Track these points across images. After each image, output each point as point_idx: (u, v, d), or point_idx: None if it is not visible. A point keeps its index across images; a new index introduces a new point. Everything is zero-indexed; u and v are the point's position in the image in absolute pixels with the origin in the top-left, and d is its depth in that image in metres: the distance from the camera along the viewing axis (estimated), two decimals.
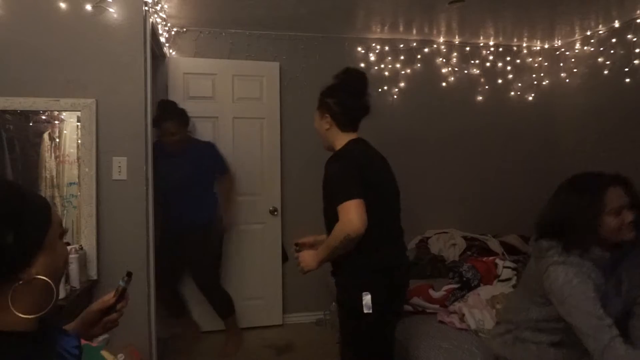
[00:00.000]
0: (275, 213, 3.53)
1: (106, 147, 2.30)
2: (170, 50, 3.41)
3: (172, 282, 3.21)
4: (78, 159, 2.29)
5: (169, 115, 3.02)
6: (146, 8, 2.36)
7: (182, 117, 3.09)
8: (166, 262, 2.95)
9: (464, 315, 2.28)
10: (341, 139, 1.88)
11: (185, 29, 3.47)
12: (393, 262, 1.81)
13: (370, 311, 1.67)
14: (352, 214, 1.61)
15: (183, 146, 3.10)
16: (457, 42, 3.92)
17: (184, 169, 3.06)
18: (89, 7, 2.24)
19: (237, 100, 3.48)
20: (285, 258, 3.65)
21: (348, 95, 1.87)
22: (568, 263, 1.45)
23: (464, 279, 2.56)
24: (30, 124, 2.32)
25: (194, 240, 3.10)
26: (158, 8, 2.74)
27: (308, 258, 1.86)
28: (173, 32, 3.42)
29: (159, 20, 2.82)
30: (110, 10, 2.27)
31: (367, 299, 1.67)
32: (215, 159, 3.23)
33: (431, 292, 2.54)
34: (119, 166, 2.31)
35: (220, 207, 3.25)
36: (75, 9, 2.24)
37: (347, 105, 1.87)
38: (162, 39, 3.07)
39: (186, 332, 3.33)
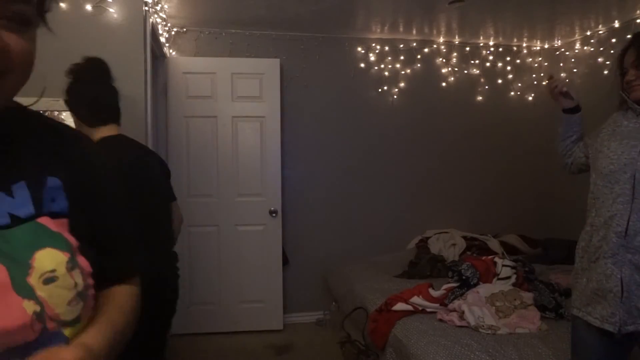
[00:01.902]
0: (275, 215, 3.52)
1: None
2: (171, 51, 3.41)
3: None
4: None
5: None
6: (146, 8, 2.36)
7: None
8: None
9: (463, 312, 2.29)
10: (93, 137, 1.58)
11: (185, 29, 3.47)
12: (158, 273, 1.62)
13: None
14: None
15: None
16: (457, 42, 3.92)
17: None
18: (89, 7, 2.25)
19: (236, 99, 3.48)
20: (285, 260, 3.67)
21: (84, 83, 1.62)
22: None
23: (463, 277, 2.56)
24: None
25: None
26: (158, 8, 2.74)
27: None
28: (173, 32, 3.43)
29: (159, 20, 2.82)
30: (110, 10, 2.27)
31: None
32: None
33: (431, 291, 2.54)
34: None
35: None
36: (75, 9, 2.24)
37: (83, 95, 1.62)
38: (162, 39, 3.07)
39: None
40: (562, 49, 4.00)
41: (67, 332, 0.54)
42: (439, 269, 3.23)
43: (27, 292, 0.50)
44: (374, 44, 3.78)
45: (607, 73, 3.52)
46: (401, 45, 3.84)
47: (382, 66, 3.83)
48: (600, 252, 1.43)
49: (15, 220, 0.54)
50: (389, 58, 3.83)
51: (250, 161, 3.52)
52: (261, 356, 3.16)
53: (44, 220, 0.56)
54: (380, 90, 3.84)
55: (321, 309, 3.73)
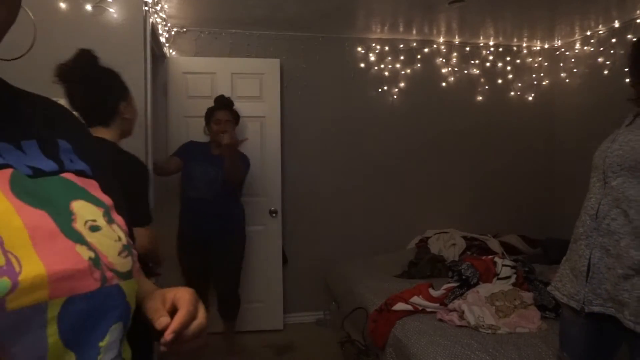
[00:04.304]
0: (275, 215, 3.52)
1: None
2: (171, 50, 3.41)
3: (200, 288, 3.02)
4: None
5: (223, 104, 2.98)
6: (146, 8, 2.36)
7: (234, 111, 3.04)
8: (189, 271, 2.95)
9: (463, 312, 2.28)
10: None
11: (185, 29, 3.47)
12: None
13: None
14: None
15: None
16: (457, 42, 3.92)
17: (219, 172, 2.87)
18: (89, 7, 2.25)
19: (236, 99, 3.47)
20: (285, 260, 3.67)
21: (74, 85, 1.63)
22: None
23: (463, 277, 2.56)
24: None
25: (220, 251, 2.93)
26: (158, 8, 2.74)
27: None
28: (173, 32, 3.43)
29: (159, 20, 2.82)
30: (110, 10, 2.27)
31: None
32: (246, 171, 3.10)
33: (431, 291, 2.54)
34: None
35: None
36: (75, 9, 2.24)
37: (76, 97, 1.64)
38: (162, 39, 3.07)
39: None
40: (562, 49, 4.00)
41: (123, 285, 0.48)
42: (439, 269, 3.23)
43: (77, 237, 0.45)
44: (374, 44, 3.78)
45: (607, 73, 3.52)
46: (401, 45, 3.84)
47: (382, 66, 3.83)
48: (578, 235, 1.52)
49: (39, 173, 0.48)
50: (389, 58, 3.83)
51: (250, 161, 3.51)
52: (261, 356, 3.16)
53: (69, 176, 0.51)
54: (380, 90, 3.84)
55: (321, 309, 3.73)
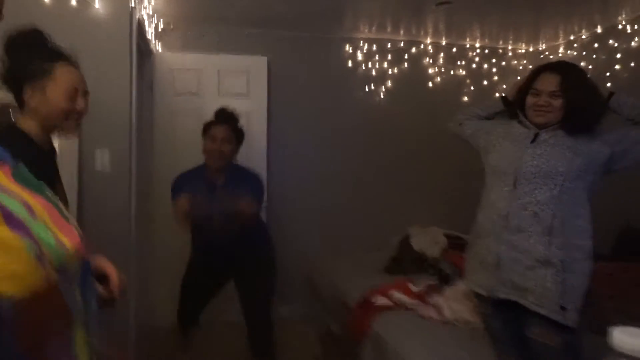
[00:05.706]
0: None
1: (89, 140, 2.31)
2: (157, 47, 3.41)
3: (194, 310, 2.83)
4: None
5: (224, 119, 2.40)
6: (132, 4, 2.37)
7: (238, 128, 2.43)
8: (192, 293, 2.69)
9: (442, 308, 2.33)
10: None
11: (172, 26, 3.47)
12: None
13: None
14: None
15: (227, 173, 2.41)
16: (443, 43, 3.97)
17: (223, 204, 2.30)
18: (73, 2, 2.25)
19: (222, 96, 3.48)
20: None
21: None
22: None
23: (443, 274, 2.61)
24: None
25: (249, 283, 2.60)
26: (145, 4, 2.75)
27: None
28: (160, 29, 3.43)
29: (145, 16, 2.83)
30: (96, 5, 2.28)
31: None
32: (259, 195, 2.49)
33: (410, 286, 2.58)
34: (102, 158, 2.32)
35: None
36: (60, 4, 2.24)
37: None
38: (149, 36, 3.07)
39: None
40: (547, 52, 4.06)
41: None
42: (421, 267, 3.27)
43: (67, 218, 0.56)
44: (361, 44, 3.81)
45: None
46: (389, 45, 3.87)
47: (370, 65, 3.86)
48: (484, 230, 1.71)
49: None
50: (377, 57, 3.86)
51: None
52: (243, 349, 3.18)
53: (23, 167, 0.57)
54: (367, 89, 3.88)
55: (303, 304, 3.76)
